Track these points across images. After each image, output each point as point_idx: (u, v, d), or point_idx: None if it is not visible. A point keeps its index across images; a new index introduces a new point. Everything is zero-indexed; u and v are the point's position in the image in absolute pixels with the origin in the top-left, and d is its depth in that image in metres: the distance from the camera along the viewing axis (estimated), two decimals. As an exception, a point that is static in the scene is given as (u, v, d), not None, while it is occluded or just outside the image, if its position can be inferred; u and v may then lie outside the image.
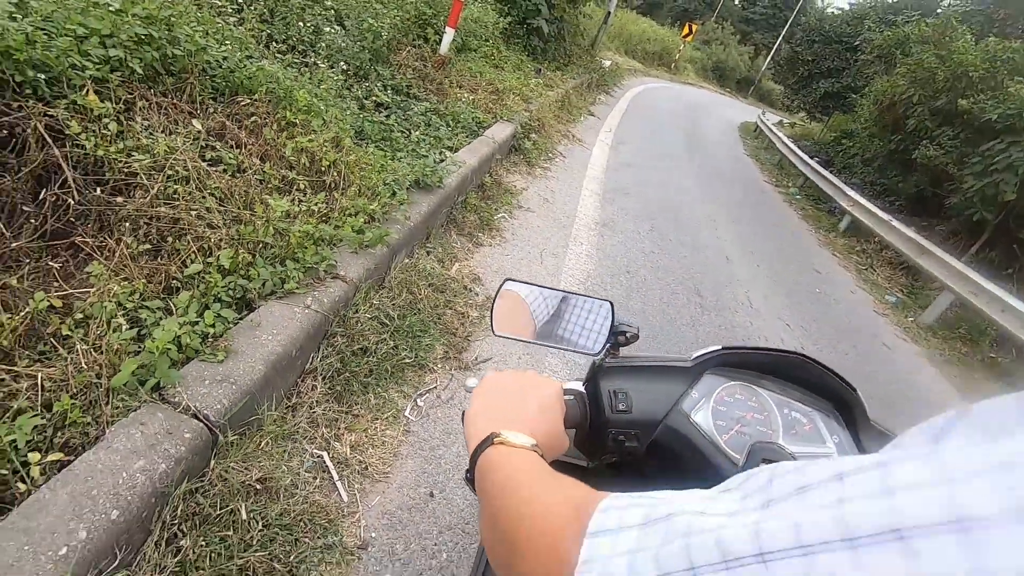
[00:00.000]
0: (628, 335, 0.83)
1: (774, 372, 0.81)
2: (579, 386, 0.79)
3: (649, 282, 3.96)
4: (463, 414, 0.62)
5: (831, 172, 9.36)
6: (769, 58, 29.56)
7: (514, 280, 0.87)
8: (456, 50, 5.83)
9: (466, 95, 4.94)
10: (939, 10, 10.49)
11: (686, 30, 23.40)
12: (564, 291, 0.89)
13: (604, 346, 0.83)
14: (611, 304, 0.85)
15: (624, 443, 0.74)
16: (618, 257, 4.16)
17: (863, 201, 7.69)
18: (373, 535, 1.60)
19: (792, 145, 11.11)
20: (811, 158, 10.19)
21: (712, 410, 0.74)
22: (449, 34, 5.22)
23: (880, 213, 7.14)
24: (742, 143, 13.41)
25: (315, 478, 1.64)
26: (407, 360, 2.19)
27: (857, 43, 14.24)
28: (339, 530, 1.55)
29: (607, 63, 12.66)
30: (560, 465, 0.87)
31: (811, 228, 7.87)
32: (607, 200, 5.25)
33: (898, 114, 8.74)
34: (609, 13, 12.89)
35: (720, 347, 0.80)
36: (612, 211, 5.04)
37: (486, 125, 4.68)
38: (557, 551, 0.38)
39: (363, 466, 1.76)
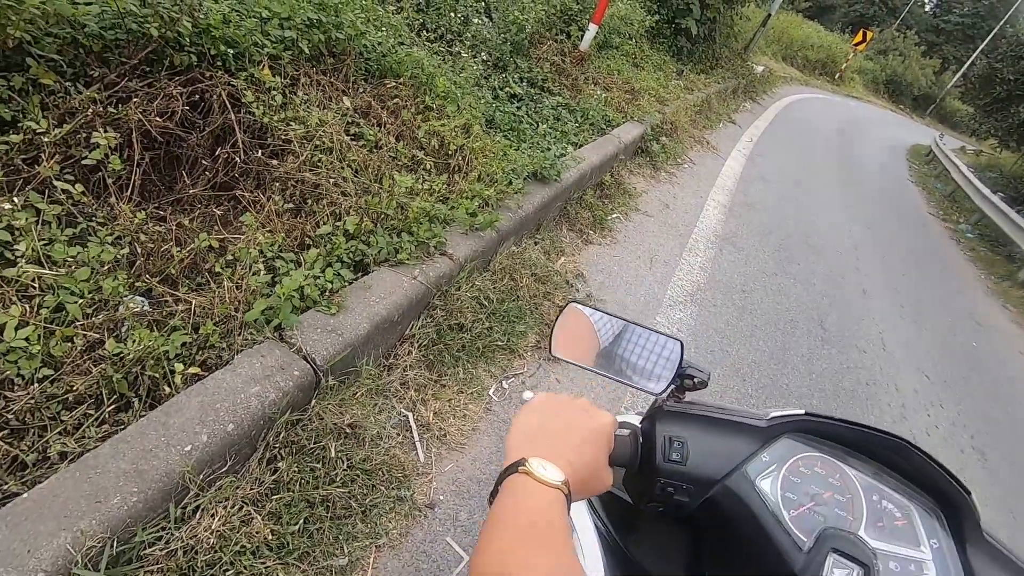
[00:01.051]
0: (696, 380, 0.78)
1: (867, 453, 0.69)
2: (636, 421, 0.75)
3: (765, 305, 3.71)
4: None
5: (1018, 211, 8.03)
6: (959, 74, 25.86)
7: (580, 303, 0.86)
8: (597, 47, 5.81)
9: (599, 92, 4.92)
10: None
11: (859, 37, 21.16)
12: (633, 322, 0.85)
13: (667, 387, 0.78)
14: (681, 344, 0.81)
15: (673, 495, 0.67)
16: (735, 274, 3.94)
17: (1054, 249, 6.54)
18: (441, 497, 1.71)
19: (971, 175, 9.68)
20: (994, 192, 8.81)
21: (783, 479, 0.66)
22: (592, 30, 5.23)
23: (1074, 266, 6.03)
24: (908, 167, 11.95)
25: (398, 434, 1.78)
26: (499, 342, 2.28)
27: (1078, 63, 12.00)
28: (412, 486, 1.68)
29: (759, 68, 11.87)
30: (610, 495, 0.84)
31: (981, 272, 6.85)
32: (733, 214, 4.98)
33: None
34: (769, 15, 12.05)
35: (803, 411, 0.71)
36: (736, 225, 4.77)
37: (615, 124, 4.64)
38: None
39: (443, 433, 1.88)
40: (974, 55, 23.85)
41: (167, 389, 1.33)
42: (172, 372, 1.36)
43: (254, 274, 1.74)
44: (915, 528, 0.63)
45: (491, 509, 0.50)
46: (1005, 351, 4.83)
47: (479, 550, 0.45)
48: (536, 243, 3.01)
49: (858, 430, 0.69)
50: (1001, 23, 24.11)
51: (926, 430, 3.20)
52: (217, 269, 1.77)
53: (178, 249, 1.75)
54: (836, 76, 21.20)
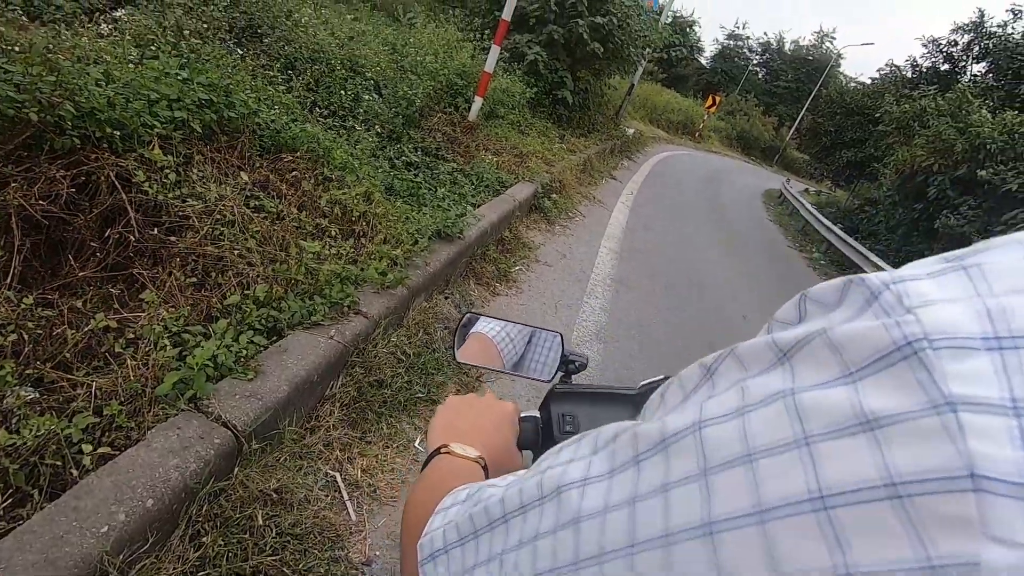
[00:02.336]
0: (577, 363, 0.89)
1: None
2: (536, 412, 0.84)
3: (662, 337, 4.04)
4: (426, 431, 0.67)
5: (856, 239, 9.43)
6: (793, 129, 30.23)
7: (474, 312, 0.97)
8: (484, 116, 6.25)
9: (491, 157, 5.27)
10: (957, 86, 10.77)
11: (709, 101, 24.24)
12: (520, 323, 0.97)
13: (555, 374, 0.88)
14: (561, 335, 0.93)
15: None
16: (632, 312, 4.27)
17: (886, 267, 7.71)
18: (377, 553, 1.69)
19: (816, 212, 11.24)
20: (835, 224, 10.28)
21: None
22: (477, 103, 5.64)
23: (903, 278, 7.12)
24: (766, 209, 13.59)
25: (327, 495, 1.75)
26: (420, 395, 2.33)
27: (878, 115, 14.59)
28: (346, 546, 1.65)
29: (631, 131, 13.19)
30: None
31: (833, 292, 7.85)
32: (624, 258, 5.42)
33: (919, 183, 8.86)
34: (632, 85, 13.56)
35: (664, 376, 0.83)
36: (628, 269, 5.20)
37: (508, 184, 4.97)
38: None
39: (372, 488, 1.87)
40: (801, 113, 28.07)
41: (74, 473, 1.25)
42: (80, 455, 1.28)
43: (160, 349, 1.69)
44: None
45: (414, 486, 0.54)
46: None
47: (405, 524, 0.48)
48: (447, 297, 3.12)
49: None
50: (817, 86, 28.76)
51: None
52: (117, 349, 1.69)
53: (72, 332, 1.67)
54: (696, 135, 23.93)
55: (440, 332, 2.72)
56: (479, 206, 4.13)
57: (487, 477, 0.56)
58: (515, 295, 3.73)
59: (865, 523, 0.19)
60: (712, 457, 0.23)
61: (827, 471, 0.20)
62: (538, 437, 0.79)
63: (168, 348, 1.71)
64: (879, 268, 7.73)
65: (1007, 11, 14.31)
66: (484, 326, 0.96)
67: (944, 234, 8.09)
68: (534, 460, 0.83)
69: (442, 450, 0.58)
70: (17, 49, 2.18)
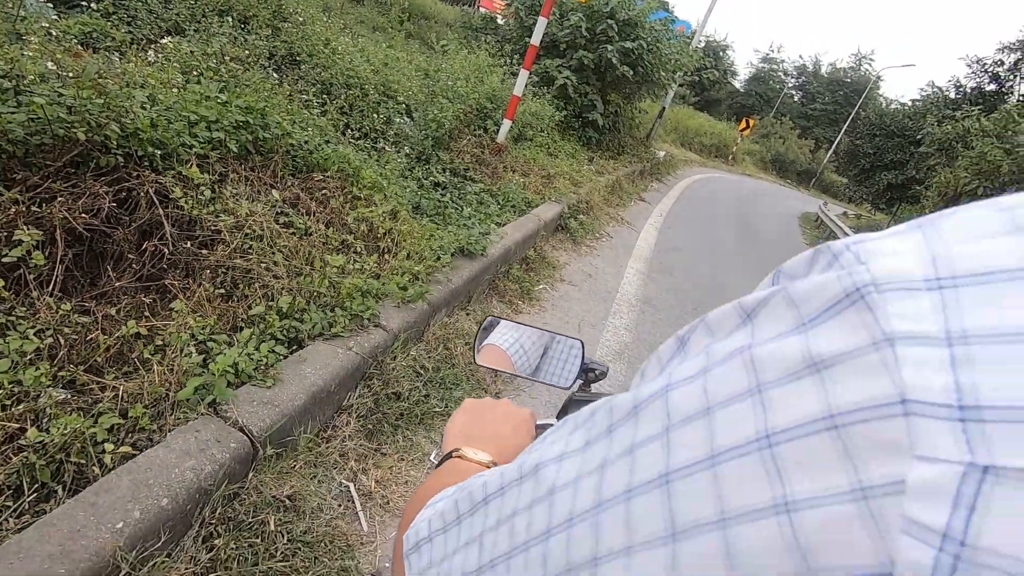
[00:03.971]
0: (597, 372, 0.89)
1: None
2: (553, 420, 0.83)
3: (688, 357, 3.96)
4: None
5: (894, 262, 9.10)
6: (831, 151, 29.64)
7: (496, 317, 0.97)
8: (513, 139, 6.35)
9: (518, 178, 5.34)
10: (1002, 105, 10.41)
11: (743, 124, 24.04)
12: (542, 329, 0.97)
13: (574, 381, 0.88)
14: (582, 343, 0.92)
15: None
16: (657, 333, 4.21)
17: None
18: (387, 565, 1.68)
19: (852, 235, 10.95)
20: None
21: None
22: (506, 125, 5.74)
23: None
24: (801, 232, 13.28)
25: (340, 505, 1.76)
26: (437, 408, 2.33)
27: (919, 136, 14.19)
28: (356, 556, 1.65)
29: (661, 153, 13.17)
30: None
31: (872, 317, 7.58)
32: (651, 279, 5.37)
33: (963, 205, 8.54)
34: (664, 108, 13.58)
35: None
36: (655, 289, 5.14)
37: (535, 204, 5.01)
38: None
39: (385, 500, 1.87)
40: (839, 135, 27.55)
41: (96, 470, 1.30)
42: (102, 454, 1.34)
43: (185, 356, 1.75)
44: None
45: (420, 487, 0.53)
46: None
47: (403, 523, 0.47)
48: (468, 314, 3.14)
49: None
50: (856, 108, 28.23)
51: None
52: (146, 355, 1.76)
53: (104, 337, 1.75)
54: (729, 158, 23.70)
55: (460, 348, 2.73)
56: (503, 225, 4.18)
57: None
58: (538, 313, 3.73)
59: (804, 456, 0.20)
60: (674, 415, 0.24)
61: (775, 413, 0.21)
62: None
63: (193, 355, 1.78)
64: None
65: (1056, 29, 13.80)
66: (502, 332, 0.96)
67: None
68: None
69: (454, 454, 0.58)
70: (71, 75, 2.34)
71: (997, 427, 0.16)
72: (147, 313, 1.97)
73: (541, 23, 5.48)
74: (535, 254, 4.50)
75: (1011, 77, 15.89)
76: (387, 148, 4.35)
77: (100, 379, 1.60)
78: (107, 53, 3.11)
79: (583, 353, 0.91)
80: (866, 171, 18.14)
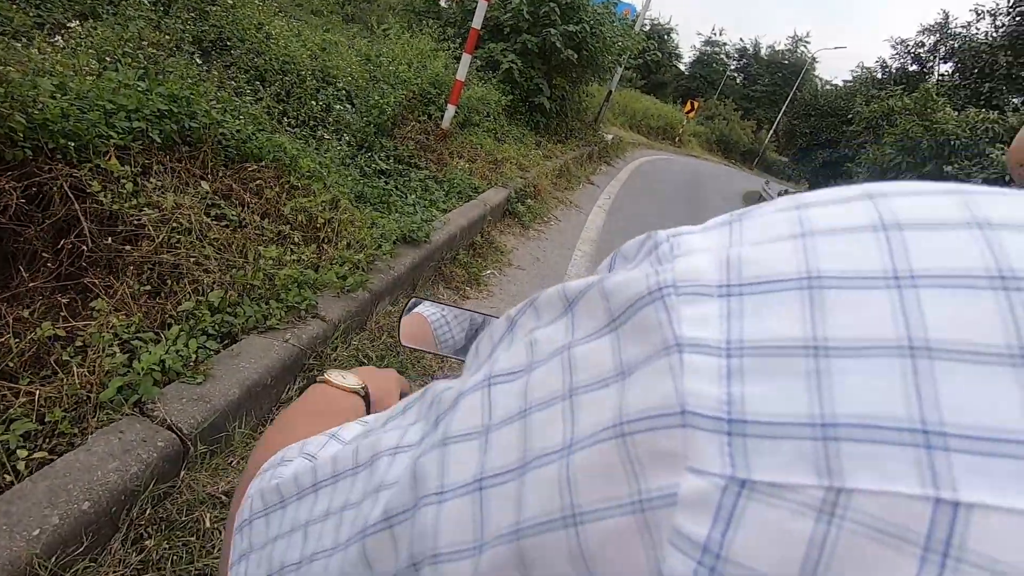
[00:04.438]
0: None
1: None
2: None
3: (634, 335, 4.07)
4: None
5: (830, 236, 9.57)
6: (771, 132, 30.71)
7: (420, 297, 0.97)
8: (459, 124, 6.30)
9: (464, 164, 5.31)
10: (923, 84, 11.02)
11: (688, 106, 24.59)
12: (468, 310, 0.97)
13: None
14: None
15: None
16: (605, 312, 4.30)
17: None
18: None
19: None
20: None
21: None
22: (450, 111, 5.68)
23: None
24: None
25: (281, 498, 1.75)
26: (382, 397, 2.33)
27: (850, 116, 14.89)
28: (299, 547, 1.64)
29: (609, 137, 13.33)
30: None
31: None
32: (598, 261, 5.45)
33: (889, 181, 9.03)
34: (610, 92, 13.71)
35: None
36: (603, 270, 5.23)
37: (481, 190, 5.00)
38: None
39: (329, 491, 1.86)
40: (779, 116, 28.54)
41: (8, 478, 1.25)
42: (15, 461, 1.28)
43: (108, 356, 1.69)
44: None
45: (275, 419, 0.50)
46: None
47: (252, 460, 0.43)
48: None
49: None
50: (793, 89, 29.28)
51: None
52: (65, 358, 1.69)
53: (16, 341, 1.66)
54: (676, 140, 24.21)
55: (405, 335, 2.72)
56: (449, 211, 4.16)
57: (367, 412, 0.53)
58: (486, 298, 3.75)
59: (593, 465, 0.19)
60: (496, 415, 0.23)
61: (580, 421, 0.20)
62: None
63: (117, 355, 1.71)
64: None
65: (970, 11, 14.71)
66: (431, 311, 0.95)
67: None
68: None
69: (318, 379, 0.54)
70: (-36, 63, 2.17)
71: (758, 442, 0.17)
72: (64, 314, 1.88)
73: (482, 6, 5.43)
74: (482, 239, 4.50)
75: (931, 58, 16.82)
76: (327, 136, 4.24)
77: (13, 385, 1.53)
78: (7, 39, 2.89)
79: None
80: (803, 150, 18.96)
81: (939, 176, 7.89)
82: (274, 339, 2.01)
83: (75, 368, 1.63)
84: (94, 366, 1.65)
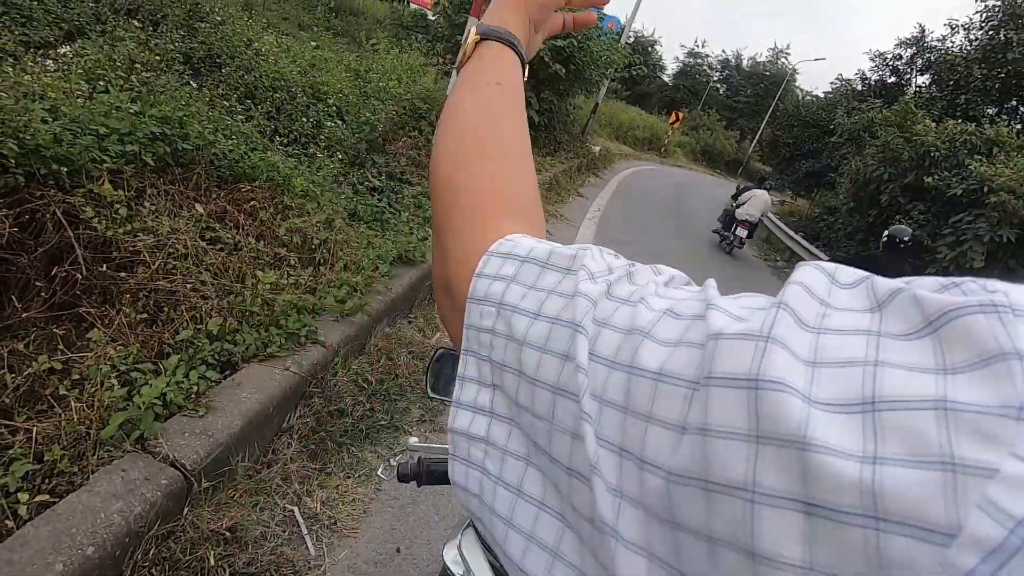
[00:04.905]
0: None
1: None
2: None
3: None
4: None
5: (816, 246, 9.74)
6: (754, 142, 31.16)
7: (447, 350, 0.99)
8: (449, 140, 6.30)
9: (456, 179, 5.31)
10: (902, 97, 11.28)
11: (673, 117, 24.86)
12: None
13: None
14: None
15: None
16: (599, 327, 4.31)
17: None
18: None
19: (778, 221, 11.58)
20: (796, 232, 10.59)
21: None
22: (441, 126, 5.70)
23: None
24: (730, 220, 13.90)
25: (284, 531, 1.72)
26: (383, 422, 2.31)
27: (832, 127, 15.17)
28: (304, 582, 1.62)
29: (597, 148, 13.43)
30: None
31: (797, 299, 8.07)
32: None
33: (872, 191, 9.22)
34: (597, 104, 13.86)
35: None
36: (595, 284, 5.25)
37: (473, 206, 5.00)
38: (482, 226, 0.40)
39: (332, 521, 1.84)
40: (761, 126, 28.98)
41: (10, 524, 1.21)
42: (16, 505, 1.24)
43: (107, 389, 1.65)
44: None
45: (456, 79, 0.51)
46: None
47: (434, 148, 0.47)
48: (410, 322, 3.11)
49: None
50: (775, 100, 29.77)
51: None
52: (62, 391, 1.65)
53: (12, 376, 1.62)
54: (662, 150, 24.47)
55: (404, 357, 2.71)
56: (443, 229, 4.15)
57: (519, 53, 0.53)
58: (481, 316, 3.74)
59: (905, 424, 0.21)
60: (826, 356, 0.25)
61: (884, 382, 0.23)
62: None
63: (116, 388, 1.68)
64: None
65: (944, 24, 15.09)
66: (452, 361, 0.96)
67: (898, 239, 8.41)
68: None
69: (477, 41, 0.51)
70: (-47, 88, 2.14)
71: None
72: (60, 345, 1.84)
73: (471, 22, 5.47)
74: (476, 256, 4.50)
75: (908, 70, 17.23)
76: (319, 153, 4.22)
77: (9, 422, 1.49)
78: (-3, 62, 2.86)
79: None
80: (787, 160, 19.24)
81: (920, 187, 8.05)
82: (275, 367, 1.99)
83: (73, 403, 1.60)
84: (93, 400, 1.61)
